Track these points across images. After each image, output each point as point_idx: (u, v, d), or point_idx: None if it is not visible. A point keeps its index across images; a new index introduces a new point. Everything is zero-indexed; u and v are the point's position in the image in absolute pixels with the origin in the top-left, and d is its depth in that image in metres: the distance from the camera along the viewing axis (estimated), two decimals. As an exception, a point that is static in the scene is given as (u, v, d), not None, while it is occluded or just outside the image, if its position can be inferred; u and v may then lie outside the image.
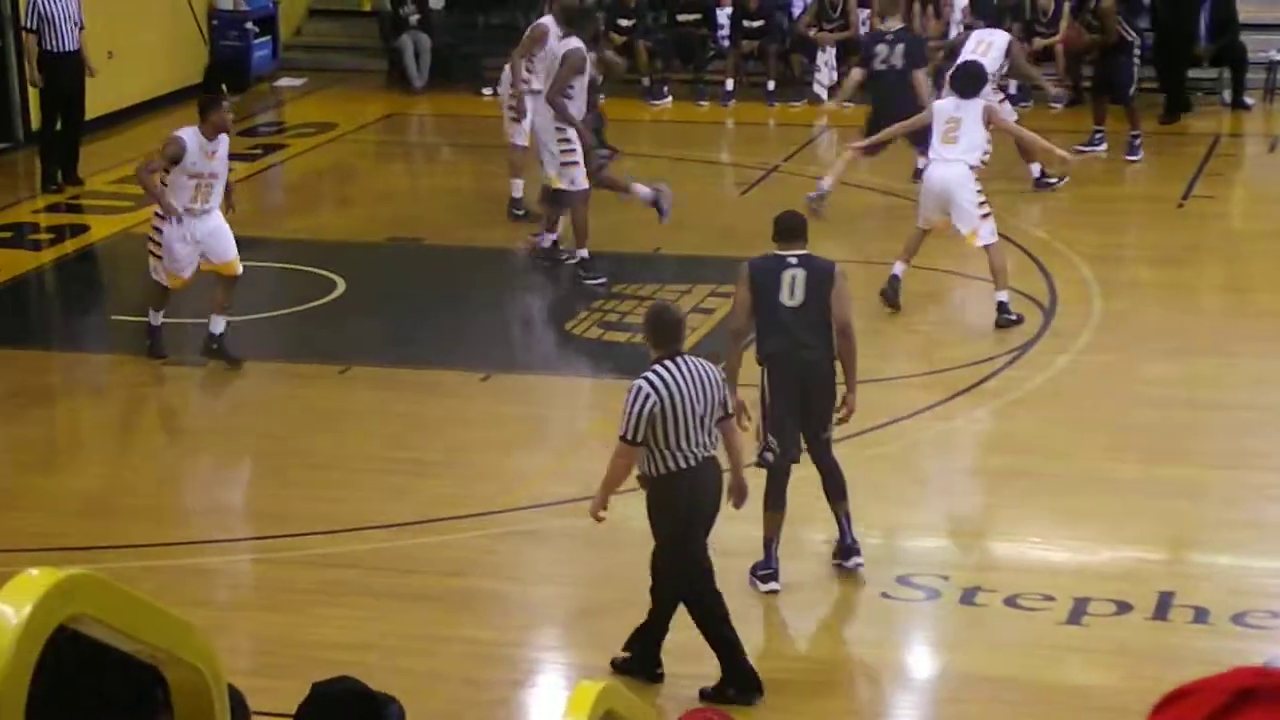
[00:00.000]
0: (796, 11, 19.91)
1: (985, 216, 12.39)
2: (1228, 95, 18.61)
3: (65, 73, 15.69)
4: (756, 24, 19.60)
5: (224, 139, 11.48)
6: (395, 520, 9.50)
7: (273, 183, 17.15)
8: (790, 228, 9.01)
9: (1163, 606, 8.58)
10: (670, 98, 19.43)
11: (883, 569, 9.08)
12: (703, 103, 19.30)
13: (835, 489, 8.92)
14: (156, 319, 11.77)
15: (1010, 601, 8.66)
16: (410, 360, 11.92)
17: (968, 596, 8.75)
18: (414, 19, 20.16)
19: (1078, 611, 8.55)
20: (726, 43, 19.71)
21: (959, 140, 12.30)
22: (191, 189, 11.32)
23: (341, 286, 13.38)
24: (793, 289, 8.72)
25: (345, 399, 11.16)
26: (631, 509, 9.94)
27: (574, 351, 12.31)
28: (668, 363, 7.63)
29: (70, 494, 10.22)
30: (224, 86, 19.80)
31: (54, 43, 15.59)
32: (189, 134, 11.31)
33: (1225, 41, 18.53)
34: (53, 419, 11.61)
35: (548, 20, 14.03)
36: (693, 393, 7.57)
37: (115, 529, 9.64)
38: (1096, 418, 10.98)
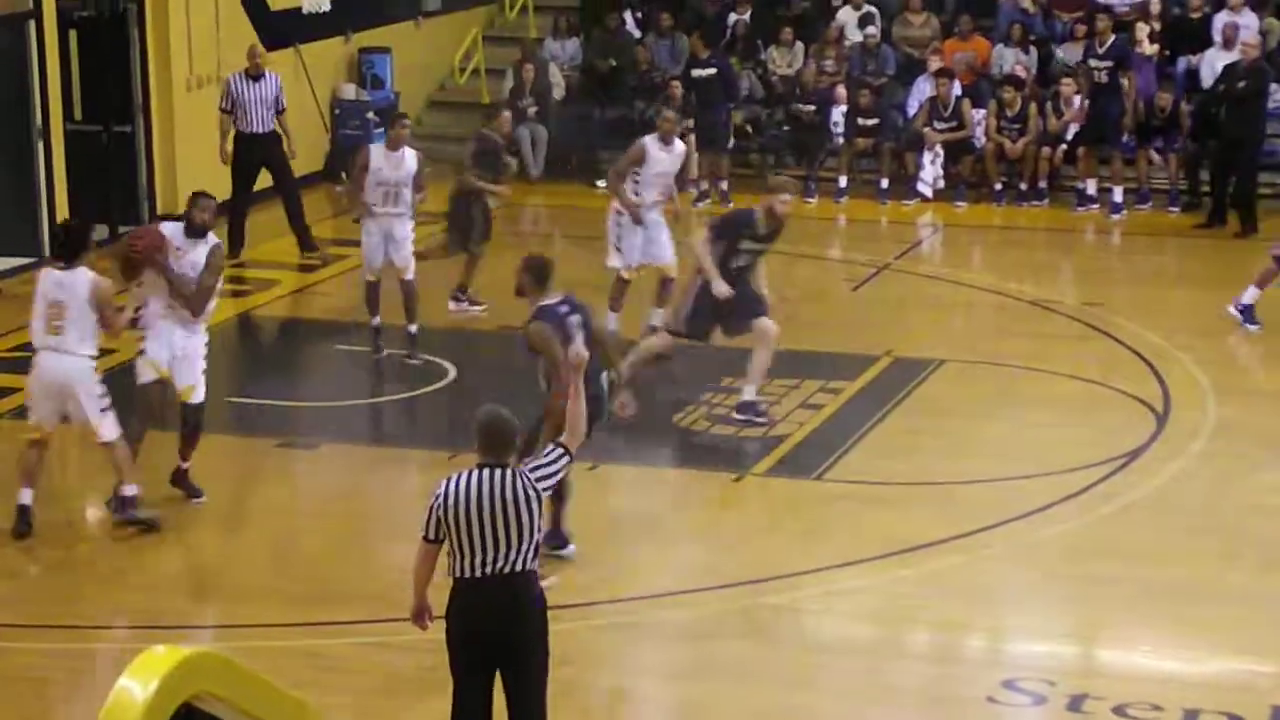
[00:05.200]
0: (911, 110, 19.98)
1: None
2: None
3: (257, 152, 17.05)
4: (871, 122, 19.70)
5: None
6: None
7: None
8: None
9: (1275, 720, 8.43)
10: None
11: (989, 673, 8.98)
12: (810, 199, 19.36)
13: None
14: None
15: (1119, 710, 8.53)
16: (518, 448, 11.97)
17: (1075, 704, 8.62)
18: (531, 110, 20.42)
19: (1188, 722, 8.41)
20: (841, 140, 19.80)
21: None
22: None
23: (452, 373, 13.50)
24: None
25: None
26: (735, 603, 9.91)
27: (681, 444, 12.32)
28: (475, 471, 7.20)
29: (181, 572, 10.35)
30: (344, 174, 20.18)
31: (246, 124, 16.95)
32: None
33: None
34: (165, 497, 11.74)
35: (649, 139, 14.23)
36: (487, 506, 7.11)
37: (224, 609, 9.74)
38: (1209, 525, 10.84)
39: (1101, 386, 13.31)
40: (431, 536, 7.24)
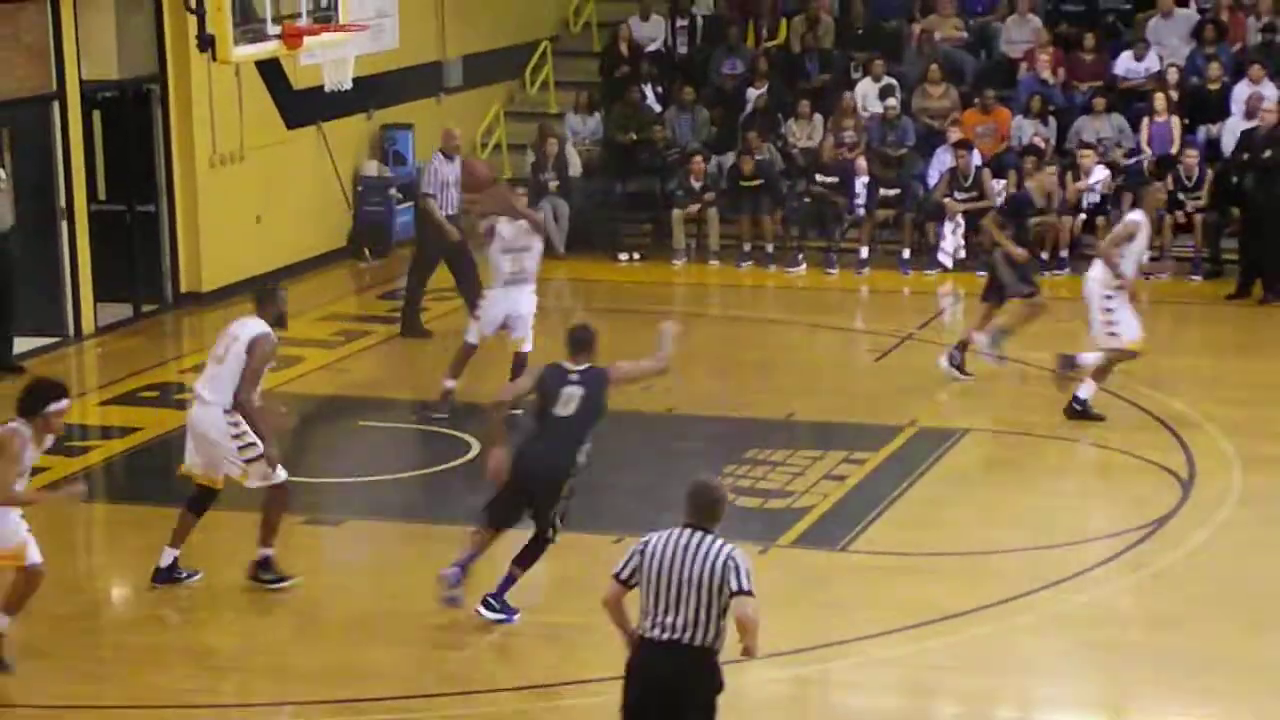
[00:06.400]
0: (932, 181, 20.04)
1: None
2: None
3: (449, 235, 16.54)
4: (892, 193, 19.78)
5: None
6: (529, 682, 9.50)
7: (411, 345, 17.38)
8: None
9: (1308, 791, 8.36)
10: (805, 265, 19.61)
11: (1018, 744, 8.93)
12: (831, 271, 19.43)
13: None
14: None
15: (1149, 781, 8.47)
16: (543, 522, 11.96)
17: (1105, 774, 8.57)
18: (553, 185, 20.52)
19: (1219, 794, 8.34)
20: (862, 211, 19.87)
21: None
22: None
23: (476, 448, 13.51)
24: None
25: (479, 560, 11.20)
26: (762, 676, 9.87)
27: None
28: (679, 530, 7.43)
29: (208, 650, 10.34)
30: (367, 250, 20.31)
31: (445, 205, 16.54)
32: None
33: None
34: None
35: (1139, 216, 14.04)
36: (679, 564, 7.33)
37: (251, 686, 9.72)
38: (1236, 593, 10.78)
39: (1126, 455, 13.27)
40: (623, 576, 7.40)
